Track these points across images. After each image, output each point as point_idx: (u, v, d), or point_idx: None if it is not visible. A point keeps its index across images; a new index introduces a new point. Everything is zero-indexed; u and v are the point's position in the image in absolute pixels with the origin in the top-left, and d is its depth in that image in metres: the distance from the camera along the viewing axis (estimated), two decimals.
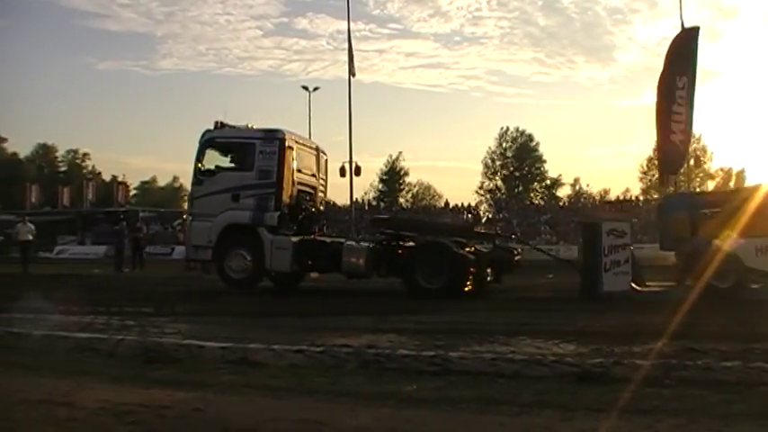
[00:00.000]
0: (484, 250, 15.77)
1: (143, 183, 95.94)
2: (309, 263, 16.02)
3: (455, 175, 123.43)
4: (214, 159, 16.99)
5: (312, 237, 16.49)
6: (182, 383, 6.16)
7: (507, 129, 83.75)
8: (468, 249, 15.24)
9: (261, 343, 8.07)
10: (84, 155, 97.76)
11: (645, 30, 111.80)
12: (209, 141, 16.95)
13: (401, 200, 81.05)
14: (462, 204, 63.30)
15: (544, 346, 7.99)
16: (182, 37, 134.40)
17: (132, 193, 78.82)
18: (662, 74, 16.79)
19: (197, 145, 16.99)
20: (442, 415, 5.06)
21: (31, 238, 27.26)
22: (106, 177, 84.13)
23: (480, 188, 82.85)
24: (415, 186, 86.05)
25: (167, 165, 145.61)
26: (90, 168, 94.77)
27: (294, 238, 15.79)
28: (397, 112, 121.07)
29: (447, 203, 70.24)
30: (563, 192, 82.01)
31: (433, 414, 5.09)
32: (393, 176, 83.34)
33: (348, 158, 37.14)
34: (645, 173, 76.53)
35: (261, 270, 15.98)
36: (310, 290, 16.98)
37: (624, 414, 4.89)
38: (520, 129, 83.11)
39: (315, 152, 18.16)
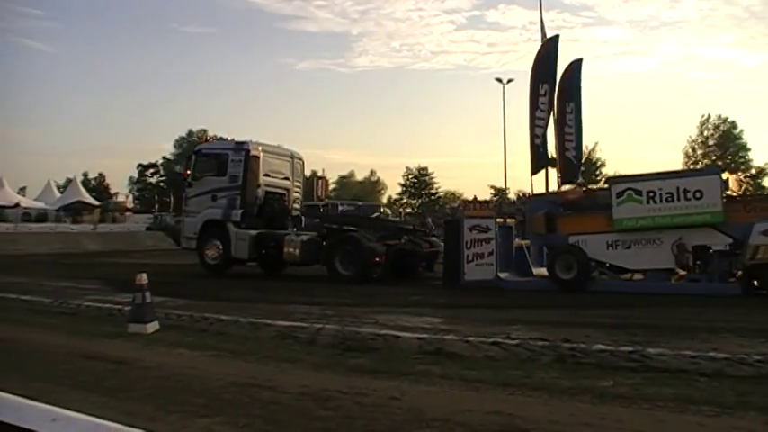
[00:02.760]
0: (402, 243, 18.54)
1: (341, 177, 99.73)
2: (264, 252, 19.08)
3: (654, 166, 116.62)
4: (202, 166, 20.39)
5: (268, 230, 19.28)
6: (378, 372, 6.45)
7: (709, 116, 78.55)
8: (390, 242, 18.00)
9: (457, 334, 8.26)
10: None
11: None
12: (197, 152, 21.27)
13: None
14: None
15: (748, 345, 7.53)
16: (376, 34, 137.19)
17: (331, 187, 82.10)
18: (529, 81, 18.91)
19: (192, 155, 21.18)
20: (638, 412, 4.96)
21: None
22: (307, 172, 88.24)
23: None
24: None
25: (365, 159, 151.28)
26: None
27: (252, 232, 19.08)
28: (594, 101, 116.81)
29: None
30: None
31: (630, 411, 4.99)
32: (589, 167, 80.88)
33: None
34: None
35: (229, 257, 19.30)
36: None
37: None
38: (722, 116, 77.75)
39: (289, 159, 21.48)
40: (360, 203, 45.43)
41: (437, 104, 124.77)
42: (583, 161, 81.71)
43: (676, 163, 78.17)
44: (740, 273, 13.62)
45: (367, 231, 18.38)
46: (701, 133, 79.78)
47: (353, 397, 5.47)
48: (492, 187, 75.35)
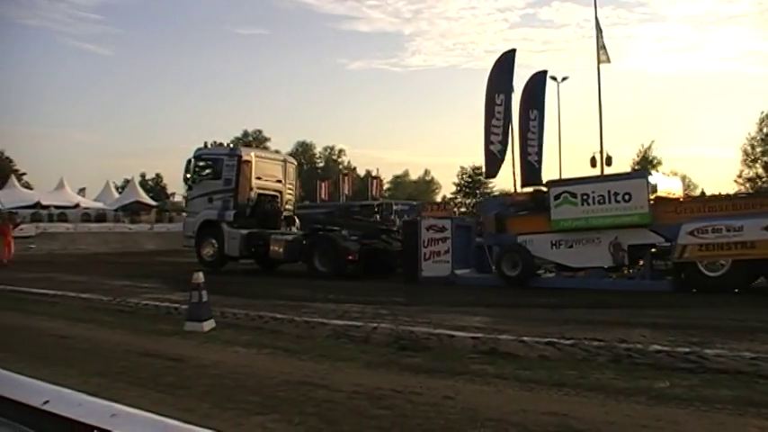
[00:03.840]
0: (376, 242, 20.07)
1: (396, 177, 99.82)
2: (253, 250, 20.84)
3: (711, 164, 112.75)
4: (200, 170, 22.17)
5: (258, 230, 21.00)
6: (432, 371, 6.47)
7: None
8: (367, 242, 19.67)
9: (511, 334, 8.22)
10: (340, 151, 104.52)
11: None
12: (196, 157, 22.38)
13: None
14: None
15: None
16: (429, 34, 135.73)
17: (385, 186, 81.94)
18: (486, 91, 20.14)
19: (192, 160, 22.38)
20: (696, 414, 4.89)
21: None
22: (361, 172, 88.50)
23: (739, 176, 76.06)
24: (668, 176, 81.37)
25: (419, 158, 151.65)
26: (346, 164, 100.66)
27: (243, 231, 20.81)
28: (649, 99, 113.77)
29: (703, 194, 65.35)
30: None
31: (687, 413, 4.92)
32: (645, 166, 79.29)
33: (599, 148, 35.75)
34: None
35: (223, 254, 21.15)
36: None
37: None
38: None
39: (282, 163, 23.53)
40: (414, 203, 45.28)
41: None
42: (638, 159, 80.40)
43: (734, 161, 76.39)
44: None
45: (347, 231, 20.21)
46: (761, 130, 77.46)
47: (407, 396, 5.51)
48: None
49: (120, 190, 68.39)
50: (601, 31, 34.18)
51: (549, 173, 22.13)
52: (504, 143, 20.01)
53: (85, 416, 1.72)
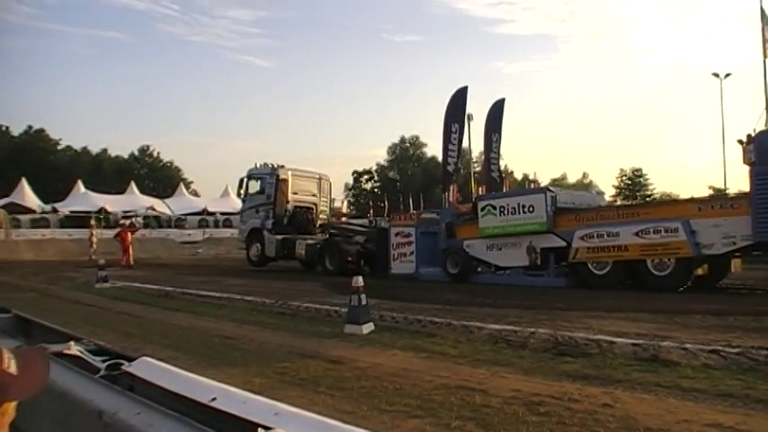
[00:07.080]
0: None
1: (553, 180, 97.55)
2: (286, 252, 25.17)
3: None
4: (252, 186, 27.26)
5: (291, 236, 25.59)
6: (591, 378, 6.41)
7: None
8: (368, 246, 23.45)
9: (674, 341, 7.96)
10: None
11: None
12: (248, 176, 27.54)
13: None
14: None
15: None
16: (585, 33, 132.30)
17: None
18: (443, 121, 24.65)
19: (244, 178, 27.62)
20: None
21: None
22: (518, 175, 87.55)
23: None
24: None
25: (577, 161, 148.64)
26: (503, 167, 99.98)
27: (279, 237, 25.54)
28: None
29: None
30: None
31: None
32: None
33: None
34: None
35: (264, 256, 26.00)
36: (727, 287, 16.01)
37: None
38: None
39: (317, 180, 28.26)
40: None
41: (650, 103, 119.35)
42: None
43: None
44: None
45: (352, 237, 24.65)
46: None
47: (565, 403, 5.50)
48: (711, 188, 71.09)
49: None
50: None
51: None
52: (457, 164, 25.68)
53: (250, 413, 1.87)
